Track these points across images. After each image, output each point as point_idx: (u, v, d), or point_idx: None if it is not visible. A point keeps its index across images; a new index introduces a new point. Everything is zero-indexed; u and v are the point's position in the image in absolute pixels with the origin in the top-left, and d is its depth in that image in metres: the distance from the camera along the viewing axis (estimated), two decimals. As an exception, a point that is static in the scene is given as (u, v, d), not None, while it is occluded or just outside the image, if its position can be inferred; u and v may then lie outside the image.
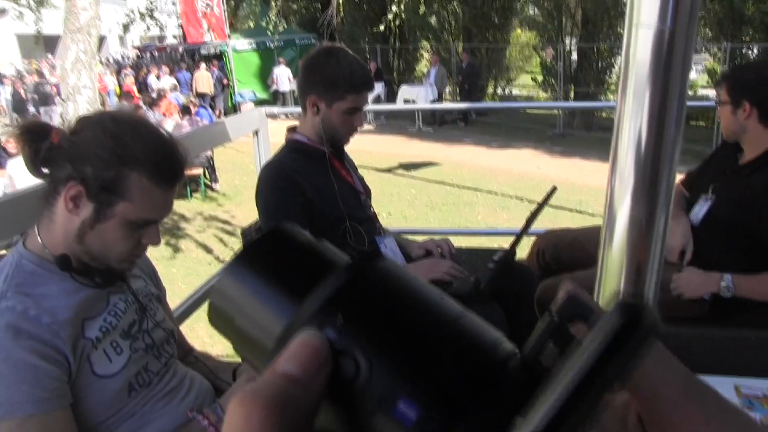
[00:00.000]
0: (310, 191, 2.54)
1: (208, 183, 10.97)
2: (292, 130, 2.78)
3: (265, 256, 0.40)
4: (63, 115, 9.77)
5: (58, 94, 14.87)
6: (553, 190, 2.42)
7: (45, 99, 18.76)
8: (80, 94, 8.75)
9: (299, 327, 0.35)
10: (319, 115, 2.63)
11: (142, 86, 22.23)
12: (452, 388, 0.32)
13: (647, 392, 0.34)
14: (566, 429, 0.26)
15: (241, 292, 0.39)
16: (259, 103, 19.30)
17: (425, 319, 0.36)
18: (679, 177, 3.17)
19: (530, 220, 2.45)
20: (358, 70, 2.60)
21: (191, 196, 10.47)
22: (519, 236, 2.46)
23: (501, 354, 0.35)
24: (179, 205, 9.76)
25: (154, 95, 15.71)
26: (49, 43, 29.86)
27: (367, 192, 2.95)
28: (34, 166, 1.55)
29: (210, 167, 10.90)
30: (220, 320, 0.41)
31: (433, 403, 0.32)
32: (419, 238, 3.21)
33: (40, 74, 24.24)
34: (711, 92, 16.40)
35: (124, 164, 1.52)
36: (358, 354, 0.34)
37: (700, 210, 2.87)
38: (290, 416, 0.30)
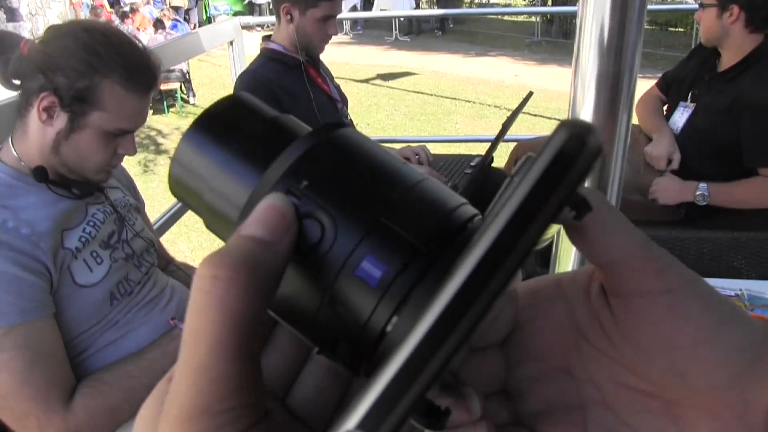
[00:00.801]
0: (286, 100, 2.55)
1: (185, 97, 10.85)
2: (267, 38, 2.77)
3: (226, 123, 0.39)
4: (33, 31, 9.51)
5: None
6: (529, 95, 2.42)
7: (12, 15, 18.23)
8: (50, 8, 8.54)
9: (263, 194, 0.34)
10: (293, 23, 2.63)
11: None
12: (416, 246, 0.32)
13: (606, 260, 0.34)
14: (525, 238, 0.26)
15: (202, 161, 0.37)
16: (234, 15, 18.90)
17: (388, 180, 0.35)
18: (653, 82, 3.19)
19: (506, 125, 2.46)
20: None
21: (168, 110, 10.36)
22: (495, 141, 2.47)
23: (463, 214, 0.35)
24: (156, 121, 9.67)
25: (126, 9, 15.34)
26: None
27: (344, 100, 2.95)
28: (4, 78, 1.54)
29: (186, 81, 10.76)
30: (181, 190, 0.39)
31: (397, 261, 0.32)
32: (398, 147, 3.21)
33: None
34: (690, -2, 16.22)
35: (97, 73, 1.51)
36: (322, 215, 0.33)
37: (680, 118, 2.90)
38: (257, 279, 0.30)
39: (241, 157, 0.37)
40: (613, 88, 0.81)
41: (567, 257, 0.87)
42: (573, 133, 0.27)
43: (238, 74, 3.05)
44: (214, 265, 0.30)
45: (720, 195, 2.68)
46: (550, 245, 0.92)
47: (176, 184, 0.39)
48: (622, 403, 0.38)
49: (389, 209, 0.33)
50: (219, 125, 0.39)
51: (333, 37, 2.76)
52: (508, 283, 0.25)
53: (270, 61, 2.69)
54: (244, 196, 0.35)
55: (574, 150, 0.27)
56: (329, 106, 2.78)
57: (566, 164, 0.26)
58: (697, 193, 2.67)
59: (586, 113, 0.84)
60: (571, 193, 0.27)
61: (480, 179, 2.54)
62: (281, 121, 0.39)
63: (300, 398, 0.39)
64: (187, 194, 0.39)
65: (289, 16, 2.63)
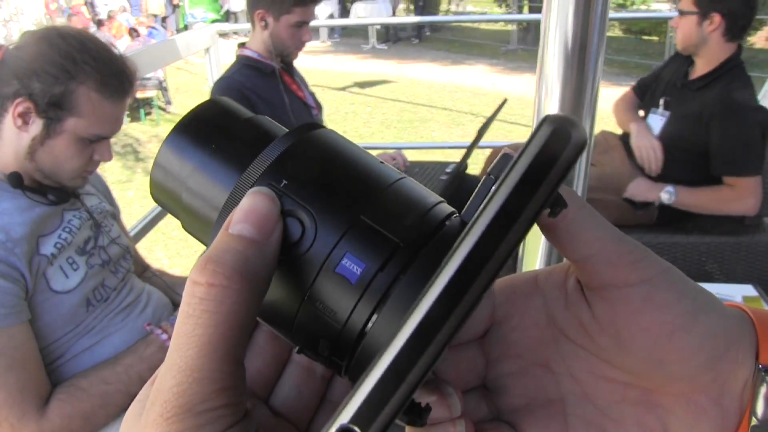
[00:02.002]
0: (261, 106, 2.56)
1: (162, 105, 10.78)
2: (242, 45, 2.77)
3: (204, 126, 0.39)
4: (7, 37, 9.41)
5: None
6: (504, 102, 2.44)
7: (-14, 22, 18.02)
8: (23, 14, 8.46)
9: (243, 195, 0.34)
10: (268, 29, 2.64)
11: (89, 6, 21.44)
12: (395, 242, 0.32)
13: (582, 255, 0.35)
14: (508, 238, 0.26)
15: (182, 165, 0.38)
16: (211, 23, 18.82)
17: (367, 179, 0.36)
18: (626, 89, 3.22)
19: (481, 131, 2.48)
20: None
21: (145, 118, 10.29)
22: (470, 148, 2.49)
23: (440, 212, 0.35)
24: (133, 128, 9.60)
25: (102, 17, 15.19)
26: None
27: (319, 107, 2.96)
28: None
29: (163, 89, 10.69)
30: (162, 195, 0.40)
31: (377, 258, 0.32)
32: (375, 154, 3.22)
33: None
34: (664, 6, 16.36)
35: (73, 79, 1.52)
36: (302, 214, 0.33)
37: (654, 124, 2.93)
38: (250, 284, 0.30)
39: (219, 159, 0.37)
40: (576, 94, 0.83)
41: (533, 255, 0.89)
42: (557, 128, 0.28)
43: (214, 81, 3.05)
44: (209, 273, 0.30)
45: (686, 197, 2.73)
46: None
47: (157, 189, 0.40)
48: (600, 395, 0.38)
49: (368, 207, 0.34)
50: (198, 129, 0.39)
51: (308, 44, 2.78)
52: (491, 282, 0.26)
53: (245, 67, 2.70)
54: (223, 197, 0.36)
55: (558, 146, 0.27)
56: (304, 112, 2.80)
57: (551, 161, 0.27)
58: (664, 191, 2.71)
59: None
60: (555, 191, 0.27)
61: (455, 185, 2.56)
62: (259, 122, 0.40)
63: (282, 398, 0.40)
64: (167, 198, 0.40)
65: (263, 23, 2.64)
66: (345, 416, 0.24)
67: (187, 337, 0.30)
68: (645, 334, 0.34)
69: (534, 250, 0.89)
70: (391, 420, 0.24)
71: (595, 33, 0.79)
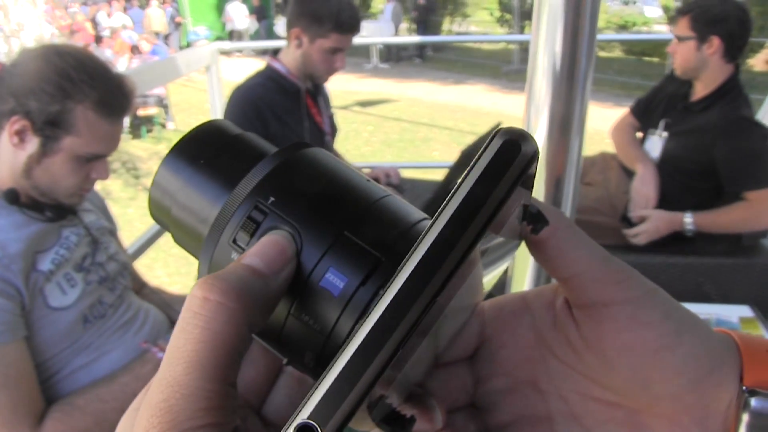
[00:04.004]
0: (274, 124, 2.52)
1: (163, 123, 10.79)
2: (274, 55, 2.72)
3: (198, 147, 0.41)
4: (8, 54, 9.44)
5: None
6: (498, 125, 2.45)
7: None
8: (24, 30, 8.47)
9: (233, 210, 0.36)
10: (301, 48, 2.58)
11: (92, 23, 21.50)
12: (378, 257, 0.33)
13: (568, 273, 0.35)
14: (460, 243, 0.27)
15: (177, 183, 0.40)
16: (214, 41, 18.82)
17: (351, 196, 0.36)
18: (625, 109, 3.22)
19: (466, 153, 2.47)
20: (347, 10, 2.54)
21: (146, 135, 10.31)
22: (454, 169, 2.47)
23: (423, 229, 0.34)
24: (134, 146, 9.61)
25: (104, 33, 15.24)
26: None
27: (333, 132, 2.93)
28: None
29: (163, 107, 10.71)
30: (159, 212, 0.41)
31: (360, 272, 0.33)
32: (367, 171, 3.23)
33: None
34: (664, 28, 16.42)
35: (70, 98, 1.52)
36: (288, 230, 0.34)
37: (652, 147, 2.92)
38: (247, 306, 0.31)
39: (212, 176, 0.39)
40: (565, 114, 0.83)
41: (522, 277, 0.89)
42: (508, 140, 0.29)
43: (215, 101, 3.04)
44: (207, 287, 0.31)
45: (706, 222, 2.70)
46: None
47: (155, 207, 0.41)
48: (587, 415, 0.39)
49: (352, 223, 0.35)
50: (193, 149, 0.40)
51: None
52: (446, 283, 0.27)
53: (270, 80, 2.64)
54: (211, 210, 0.37)
55: (509, 156, 0.28)
56: (317, 137, 2.75)
57: (501, 171, 0.28)
58: (686, 221, 2.70)
59: (540, 137, 0.86)
60: (505, 198, 0.28)
61: (438, 203, 2.56)
62: (249, 139, 0.42)
63: (274, 408, 0.40)
64: (164, 216, 0.41)
65: (297, 41, 2.57)
66: (304, 413, 0.25)
67: (178, 351, 0.30)
68: (629, 353, 0.35)
69: (523, 271, 0.89)
70: (349, 416, 0.25)
71: (583, 53, 0.80)
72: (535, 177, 0.32)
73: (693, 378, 0.34)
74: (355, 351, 0.26)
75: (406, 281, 0.27)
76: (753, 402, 0.34)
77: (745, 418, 0.34)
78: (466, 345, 0.41)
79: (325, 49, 2.56)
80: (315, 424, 0.25)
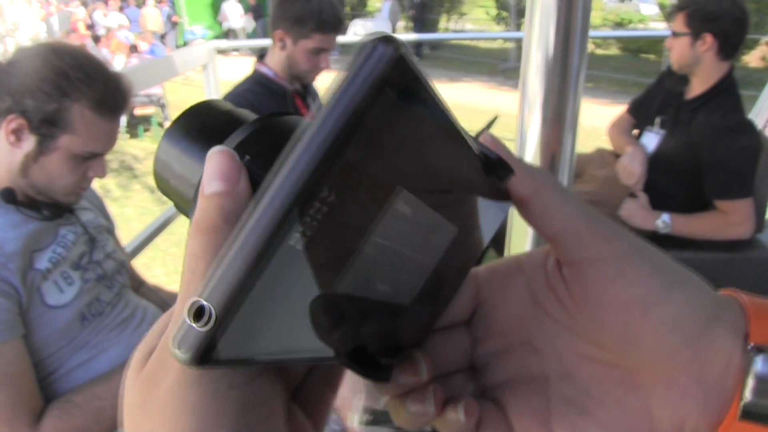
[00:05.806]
0: None
1: (161, 122, 10.78)
2: (261, 59, 2.73)
3: (193, 121, 0.43)
4: (4, 53, 9.42)
5: None
6: (495, 118, 2.44)
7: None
8: (19, 30, 8.47)
9: None
10: (285, 50, 2.59)
11: (86, 24, 21.46)
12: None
13: (554, 230, 0.35)
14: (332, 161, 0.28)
15: (173, 153, 0.42)
16: (210, 40, 18.76)
17: None
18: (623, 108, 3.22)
19: None
20: (328, 10, 2.54)
21: (143, 135, 10.29)
22: None
23: None
24: (131, 145, 9.60)
25: (99, 32, 15.21)
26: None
27: None
28: None
29: (161, 106, 10.69)
30: (161, 183, 0.44)
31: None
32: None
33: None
34: (661, 25, 16.43)
35: (67, 96, 1.52)
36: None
37: (648, 143, 2.93)
38: (230, 225, 0.31)
39: (200, 144, 0.41)
40: (558, 110, 0.84)
41: (522, 241, 0.89)
42: (368, 43, 0.30)
43: (212, 98, 3.02)
44: (189, 236, 0.32)
45: (682, 226, 2.73)
46: (504, 231, 0.93)
47: (158, 179, 0.44)
48: (583, 374, 0.39)
49: None
50: (188, 123, 0.43)
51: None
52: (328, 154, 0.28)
53: (257, 85, 2.65)
54: (199, 175, 0.38)
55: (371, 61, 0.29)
56: None
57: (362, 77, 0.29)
58: (660, 219, 2.72)
59: (533, 133, 0.87)
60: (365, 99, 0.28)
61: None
62: (239, 114, 0.45)
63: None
64: (166, 186, 0.44)
65: (281, 43, 2.58)
66: (203, 294, 0.26)
67: (187, 286, 0.31)
68: (618, 309, 0.35)
69: (522, 236, 0.89)
70: (235, 293, 0.26)
71: (576, 49, 0.81)
72: (422, 85, 0.32)
73: (687, 334, 0.34)
74: (250, 228, 0.27)
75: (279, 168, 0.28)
76: (759, 364, 0.34)
77: (750, 383, 0.34)
78: (462, 308, 0.42)
79: (308, 49, 2.57)
80: (203, 301, 0.26)
